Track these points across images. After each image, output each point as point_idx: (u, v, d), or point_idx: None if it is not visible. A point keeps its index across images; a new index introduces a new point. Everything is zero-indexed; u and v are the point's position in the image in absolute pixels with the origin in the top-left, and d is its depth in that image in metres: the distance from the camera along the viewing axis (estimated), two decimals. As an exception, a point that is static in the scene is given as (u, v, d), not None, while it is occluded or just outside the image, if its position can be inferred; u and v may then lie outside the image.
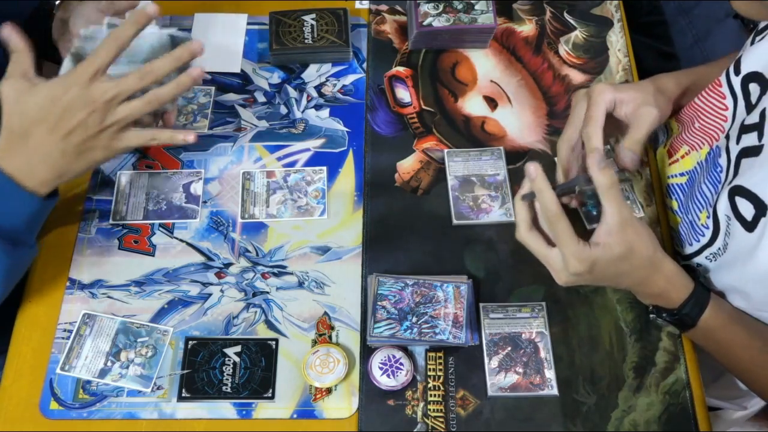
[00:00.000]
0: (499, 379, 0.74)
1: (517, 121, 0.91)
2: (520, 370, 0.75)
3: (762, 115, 0.65)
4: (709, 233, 0.73)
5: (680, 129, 0.82)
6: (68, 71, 0.67)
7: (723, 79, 0.73)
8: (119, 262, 0.81)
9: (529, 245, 0.69)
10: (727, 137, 0.72)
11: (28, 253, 0.74)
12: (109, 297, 0.79)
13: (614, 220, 0.64)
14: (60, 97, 0.66)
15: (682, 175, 0.81)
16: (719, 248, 0.72)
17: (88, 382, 0.74)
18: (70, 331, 0.77)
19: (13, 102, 0.67)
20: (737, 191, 0.66)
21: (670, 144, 0.84)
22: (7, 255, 0.69)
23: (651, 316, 0.73)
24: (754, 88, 0.68)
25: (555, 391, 0.74)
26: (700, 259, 0.76)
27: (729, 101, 0.72)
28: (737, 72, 0.70)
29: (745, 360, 0.70)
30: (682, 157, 0.81)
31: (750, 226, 0.64)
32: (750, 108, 0.69)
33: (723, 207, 0.69)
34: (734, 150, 0.69)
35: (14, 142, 0.67)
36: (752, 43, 0.71)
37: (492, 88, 0.94)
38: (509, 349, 0.76)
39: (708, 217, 0.73)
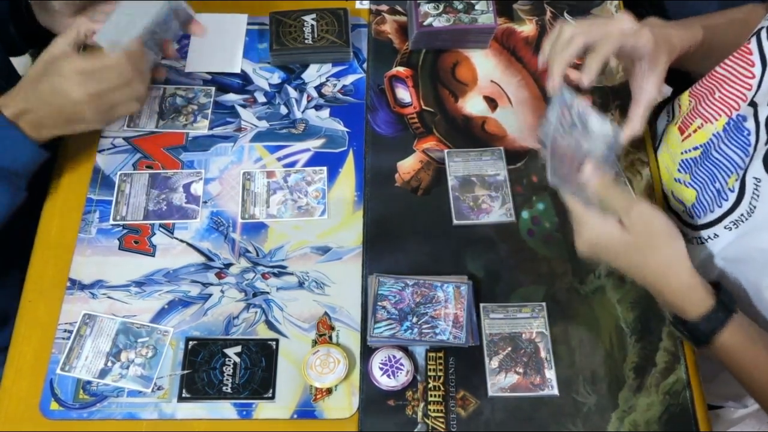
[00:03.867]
0: (500, 380, 0.74)
1: (517, 122, 0.91)
2: (521, 371, 0.75)
3: None
4: (733, 197, 0.72)
5: (693, 103, 0.81)
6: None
7: (753, 46, 0.71)
8: (119, 262, 0.81)
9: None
10: (753, 104, 0.71)
11: (19, 196, 0.77)
12: (109, 297, 0.79)
13: (635, 205, 0.65)
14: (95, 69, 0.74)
15: (695, 149, 0.80)
16: (742, 214, 0.71)
17: (89, 382, 0.74)
18: (71, 332, 0.77)
19: (49, 59, 0.74)
20: None
21: (681, 120, 0.83)
22: (7, 194, 0.75)
23: (671, 327, 0.72)
24: None
25: (555, 392, 0.74)
26: (717, 229, 0.75)
27: (757, 69, 0.71)
28: None
29: (765, 382, 0.67)
30: (695, 131, 0.80)
31: None
32: None
33: (754, 170, 0.68)
34: (764, 113, 0.68)
35: (26, 88, 0.74)
36: None
37: (492, 88, 0.94)
38: (509, 349, 0.76)
39: (737, 180, 0.72)
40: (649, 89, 0.75)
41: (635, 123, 0.75)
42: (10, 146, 0.74)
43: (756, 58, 0.70)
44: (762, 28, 0.71)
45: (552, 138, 0.71)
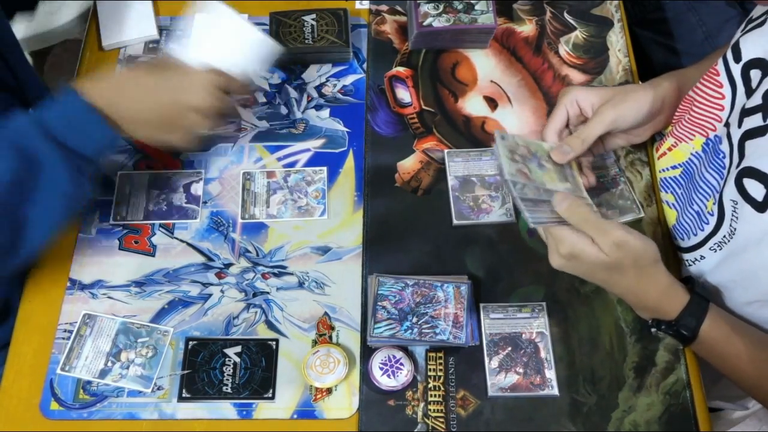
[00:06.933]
0: (500, 380, 0.74)
1: (517, 121, 0.91)
2: (521, 371, 0.75)
3: (765, 96, 0.65)
4: (713, 220, 0.72)
5: (670, 128, 0.82)
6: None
7: (721, 67, 0.72)
8: (119, 262, 0.81)
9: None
10: (727, 125, 0.71)
11: (86, 190, 0.73)
12: (109, 297, 0.79)
13: (610, 233, 0.65)
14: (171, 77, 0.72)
15: (674, 167, 0.81)
16: (725, 235, 0.71)
17: (89, 382, 0.75)
18: (71, 332, 0.77)
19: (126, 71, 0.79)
20: (745, 173, 0.66)
21: (657, 140, 0.85)
22: (72, 183, 0.69)
23: (652, 330, 0.72)
24: (755, 74, 0.68)
25: (555, 392, 0.74)
26: (703, 251, 0.75)
27: (726, 90, 0.71)
28: (737, 59, 0.70)
29: (751, 373, 0.68)
30: (669, 149, 0.81)
31: (761, 206, 0.64)
32: (750, 92, 0.68)
33: (729, 192, 0.68)
34: (736, 135, 0.69)
35: (110, 84, 0.72)
36: (746, 30, 0.70)
37: (492, 88, 0.94)
38: (509, 349, 0.76)
39: (714, 204, 0.72)
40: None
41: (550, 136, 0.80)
42: (78, 125, 0.68)
43: (723, 79, 0.72)
44: (722, 53, 0.72)
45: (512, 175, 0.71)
